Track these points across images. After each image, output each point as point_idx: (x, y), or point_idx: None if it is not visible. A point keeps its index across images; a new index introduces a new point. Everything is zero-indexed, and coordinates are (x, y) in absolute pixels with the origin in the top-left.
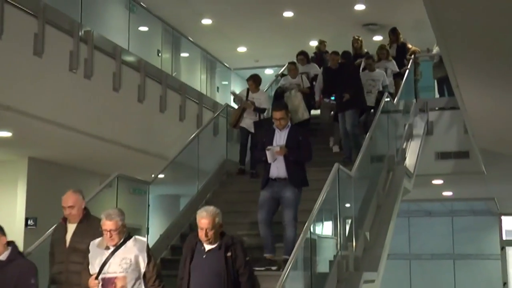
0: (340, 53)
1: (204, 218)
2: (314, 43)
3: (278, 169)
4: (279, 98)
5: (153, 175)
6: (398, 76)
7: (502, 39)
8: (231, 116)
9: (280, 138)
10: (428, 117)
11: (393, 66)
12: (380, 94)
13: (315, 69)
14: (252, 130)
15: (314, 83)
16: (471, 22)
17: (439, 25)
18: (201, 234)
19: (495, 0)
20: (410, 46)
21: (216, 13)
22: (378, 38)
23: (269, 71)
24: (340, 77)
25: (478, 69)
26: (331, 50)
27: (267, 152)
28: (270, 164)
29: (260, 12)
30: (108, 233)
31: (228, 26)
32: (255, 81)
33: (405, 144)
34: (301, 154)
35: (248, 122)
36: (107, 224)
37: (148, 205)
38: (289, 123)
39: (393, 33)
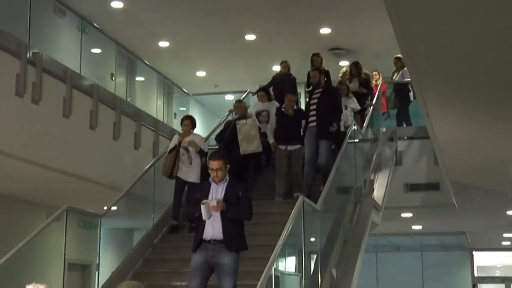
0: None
1: None
2: (277, 68)
3: (214, 228)
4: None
5: (105, 208)
6: (360, 112)
7: (473, 70)
8: (164, 165)
9: (217, 192)
10: (396, 147)
11: (354, 103)
12: (343, 135)
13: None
14: (191, 180)
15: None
16: (442, 52)
17: (409, 53)
18: None
19: (467, 31)
20: (375, 76)
21: (173, 35)
22: (344, 63)
23: (229, 97)
24: (322, 99)
25: (449, 98)
26: (294, 75)
27: (202, 207)
28: (204, 222)
29: (221, 34)
30: None
31: (187, 49)
32: (192, 121)
33: (373, 175)
34: (241, 210)
35: (184, 170)
36: None
37: (99, 240)
38: (227, 177)
39: (356, 67)
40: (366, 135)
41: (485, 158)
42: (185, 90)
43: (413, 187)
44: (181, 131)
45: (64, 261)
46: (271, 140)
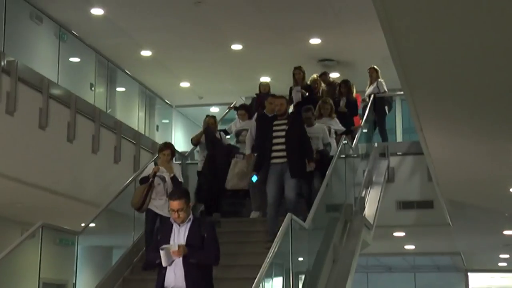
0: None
1: None
2: (265, 79)
3: (176, 276)
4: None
5: (83, 224)
6: (350, 132)
7: (469, 83)
8: (133, 196)
9: (179, 235)
10: (389, 163)
11: (337, 125)
12: (320, 155)
13: None
14: (164, 213)
15: None
16: (436, 64)
17: (402, 65)
18: None
19: (462, 43)
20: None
21: (156, 44)
22: (335, 75)
23: (214, 109)
24: (290, 131)
25: (444, 113)
26: (283, 87)
27: (161, 253)
28: (165, 268)
29: (206, 43)
30: None
31: (170, 58)
32: (173, 151)
33: (364, 192)
34: (206, 255)
35: (158, 203)
36: None
37: (76, 258)
38: (191, 216)
39: (345, 85)
40: (356, 150)
41: (481, 175)
42: (168, 101)
43: (405, 205)
44: (159, 160)
45: (39, 281)
46: (247, 150)
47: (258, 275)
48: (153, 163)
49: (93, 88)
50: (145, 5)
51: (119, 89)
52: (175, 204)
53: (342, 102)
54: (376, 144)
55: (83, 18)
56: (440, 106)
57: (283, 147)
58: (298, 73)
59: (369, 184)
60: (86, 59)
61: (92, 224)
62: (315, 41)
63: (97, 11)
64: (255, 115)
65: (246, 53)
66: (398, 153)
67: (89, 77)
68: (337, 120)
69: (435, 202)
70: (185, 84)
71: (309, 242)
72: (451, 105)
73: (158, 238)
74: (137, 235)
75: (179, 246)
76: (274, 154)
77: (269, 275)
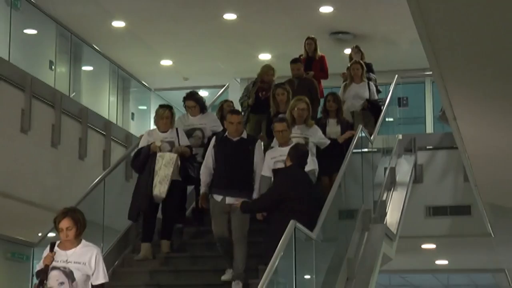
0: None
1: None
2: (264, 57)
3: None
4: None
5: (40, 234)
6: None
7: (506, 62)
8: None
9: None
10: (416, 159)
11: (316, 136)
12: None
13: (216, 122)
14: None
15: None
16: (471, 36)
17: (429, 38)
18: None
19: (502, 16)
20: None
21: (131, 13)
22: (350, 51)
23: (203, 93)
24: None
25: (482, 96)
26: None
27: None
28: None
29: (192, 13)
30: None
31: (148, 31)
32: (76, 220)
33: (385, 195)
34: None
35: None
36: None
37: (33, 275)
38: None
39: (335, 99)
40: (376, 144)
41: None
42: (145, 83)
43: (437, 211)
44: (60, 238)
45: None
46: (202, 187)
47: None
48: (48, 246)
49: (53, 67)
50: None
51: (85, 68)
52: None
53: (331, 126)
54: (400, 136)
55: None
56: (477, 88)
57: None
58: (280, 93)
59: (391, 185)
60: (44, 32)
61: (51, 234)
62: (326, 9)
63: None
64: (213, 138)
65: (242, 25)
66: (427, 147)
67: (49, 53)
68: (318, 128)
69: (473, 207)
70: (166, 63)
71: (317, 256)
72: (491, 87)
73: None
74: (107, 247)
75: None
76: None
77: None
